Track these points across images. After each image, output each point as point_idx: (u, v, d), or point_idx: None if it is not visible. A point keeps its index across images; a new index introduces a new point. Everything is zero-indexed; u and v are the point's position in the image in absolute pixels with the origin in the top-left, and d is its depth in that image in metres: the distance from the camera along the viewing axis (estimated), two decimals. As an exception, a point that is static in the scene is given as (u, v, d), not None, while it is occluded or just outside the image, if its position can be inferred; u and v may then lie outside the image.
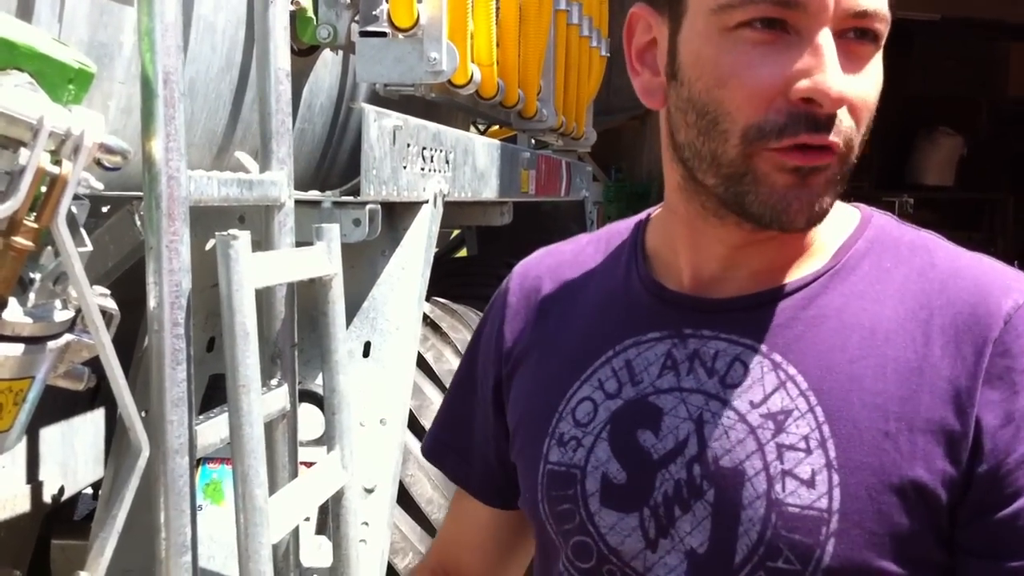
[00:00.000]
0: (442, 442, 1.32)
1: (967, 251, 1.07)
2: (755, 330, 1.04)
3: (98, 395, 2.96)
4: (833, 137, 0.96)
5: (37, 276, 1.29)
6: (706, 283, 1.08)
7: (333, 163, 3.07)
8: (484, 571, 1.32)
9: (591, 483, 1.07)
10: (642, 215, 1.20)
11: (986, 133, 14.31)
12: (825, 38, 0.95)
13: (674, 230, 1.11)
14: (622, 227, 1.21)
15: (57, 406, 2.84)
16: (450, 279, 3.97)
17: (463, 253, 5.71)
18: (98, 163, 1.29)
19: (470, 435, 1.27)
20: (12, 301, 1.23)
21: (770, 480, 0.98)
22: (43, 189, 1.23)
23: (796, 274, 1.05)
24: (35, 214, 1.18)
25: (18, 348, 1.24)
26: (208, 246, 2.09)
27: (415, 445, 2.69)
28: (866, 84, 0.98)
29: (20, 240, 1.17)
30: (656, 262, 1.14)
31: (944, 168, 14.10)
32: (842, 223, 1.08)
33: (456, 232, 5.79)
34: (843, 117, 0.97)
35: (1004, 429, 0.95)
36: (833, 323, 1.02)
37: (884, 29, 0.99)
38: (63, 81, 1.30)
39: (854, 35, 0.97)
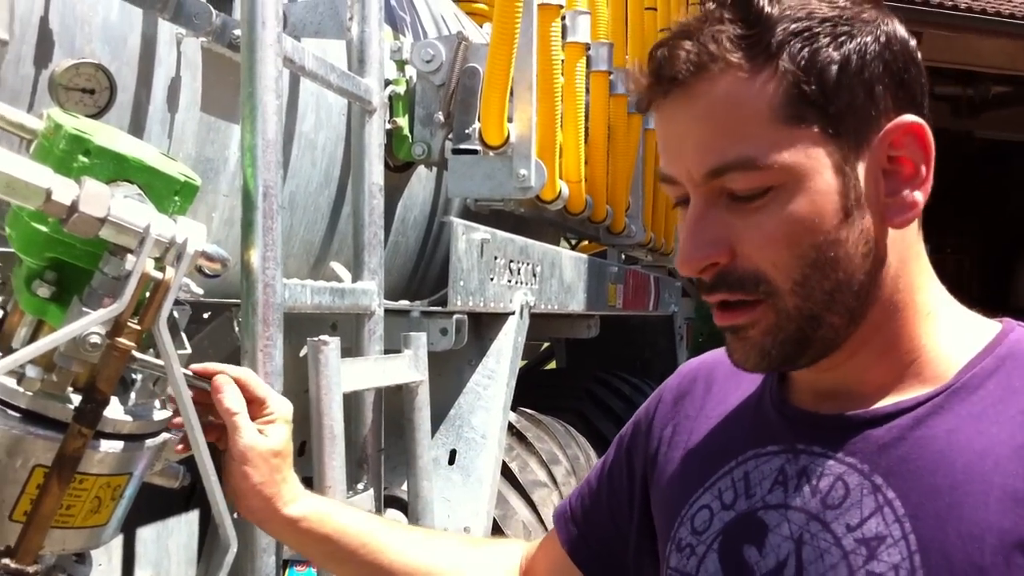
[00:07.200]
0: (571, 509, 1.36)
1: None
2: (861, 449, 1.02)
3: (193, 497, 3.02)
4: (725, 294, 1.01)
5: (139, 376, 1.33)
6: (821, 399, 1.08)
7: (425, 274, 3.13)
8: None
9: None
10: None
11: (1091, 254, 13.94)
12: (693, 208, 1.01)
13: None
14: None
15: (153, 507, 2.90)
16: (538, 390, 3.99)
17: (552, 365, 5.73)
18: (199, 270, 1.34)
19: (597, 509, 1.32)
20: (113, 400, 1.26)
21: None
22: (147, 294, 1.28)
23: (910, 392, 1.02)
24: (138, 317, 1.23)
25: (118, 445, 1.27)
26: (301, 353, 2.15)
27: (498, 554, 2.69)
28: (752, 232, 0.99)
29: (123, 341, 1.21)
30: (789, 377, 1.15)
31: (1049, 290, 13.74)
32: (975, 338, 1.04)
33: (546, 345, 5.82)
34: (737, 267, 1.00)
35: None
36: (940, 445, 0.98)
37: (746, 184, 0.98)
38: (169, 193, 1.35)
39: (727, 196, 0.99)
